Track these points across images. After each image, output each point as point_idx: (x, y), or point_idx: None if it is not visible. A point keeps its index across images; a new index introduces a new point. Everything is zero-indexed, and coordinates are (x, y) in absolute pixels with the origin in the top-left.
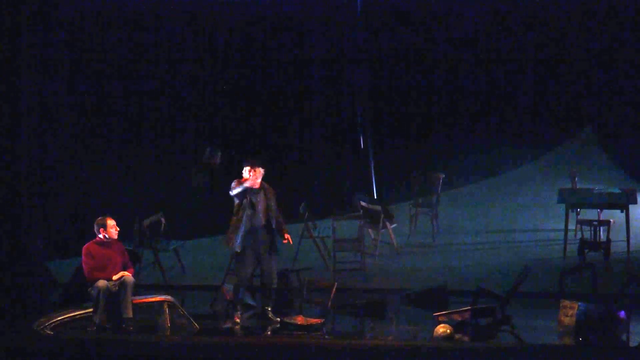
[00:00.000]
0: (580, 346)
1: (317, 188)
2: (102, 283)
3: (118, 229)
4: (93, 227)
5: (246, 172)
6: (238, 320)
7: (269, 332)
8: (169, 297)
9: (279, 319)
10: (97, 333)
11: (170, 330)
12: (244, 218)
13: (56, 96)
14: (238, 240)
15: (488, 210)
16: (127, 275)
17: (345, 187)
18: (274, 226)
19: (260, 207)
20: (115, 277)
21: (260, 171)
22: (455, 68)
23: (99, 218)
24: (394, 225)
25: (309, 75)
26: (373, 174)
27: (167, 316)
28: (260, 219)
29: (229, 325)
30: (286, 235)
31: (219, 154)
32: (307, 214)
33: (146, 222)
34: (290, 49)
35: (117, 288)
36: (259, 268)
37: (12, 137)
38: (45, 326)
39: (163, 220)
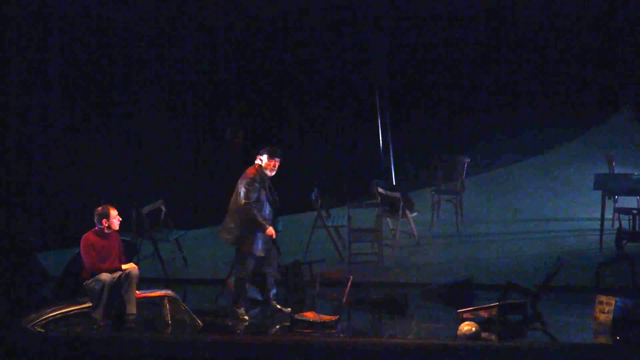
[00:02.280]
0: (617, 345)
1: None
2: (106, 276)
3: (120, 219)
4: (86, 216)
5: (269, 161)
6: (245, 316)
7: (278, 330)
8: (169, 292)
9: (289, 309)
10: (99, 330)
11: (171, 327)
12: (261, 214)
13: (48, 80)
14: (260, 244)
15: (517, 197)
16: (134, 267)
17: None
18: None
19: (269, 197)
20: (125, 267)
21: (279, 162)
22: (482, 44)
23: (100, 207)
24: (415, 214)
25: (324, 54)
26: (392, 158)
27: (168, 312)
28: (270, 209)
29: (234, 321)
30: None
31: (241, 133)
32: (320, 201)
33: (145, 210)
34: (307, 29)
35: (118, 281)
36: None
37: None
38: (36, 323)
39: (163, 208)
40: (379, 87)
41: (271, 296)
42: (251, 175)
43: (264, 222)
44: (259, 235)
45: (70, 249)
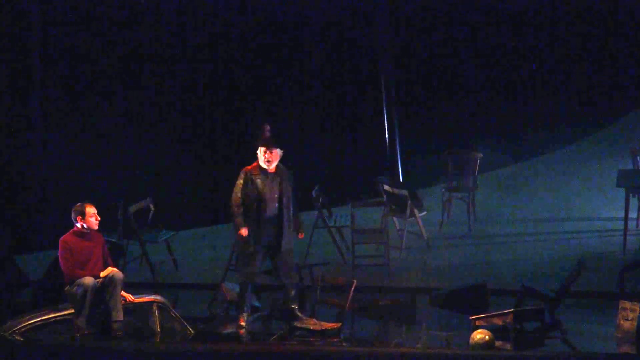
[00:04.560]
0: None
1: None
2: (88, 280)
3: (99, 218)
4: (68, 216)
5: (261, 152)
6: (244, 323)
7: (275, 338)
8: (158, 297)
9: (312, 319)
10: (82, 338)
11: (160, 335)
12: (254, 212)
13: (29, 72)
14: (251, 243)
15: (534, 196)
16: (116, 270)
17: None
18: (288, 216)
19: (275, 194)
20: (103, 274)
21: (278, 153)
22: (497, 33)
23: (77, 205)
24: (424, 213)
25: (326, 42)
26: (399, 153)
27: (157, 319)
28: (275, 208)
29: (229, 329)
30: (300, 233)
31: (268, 127)
32: (321, 199)
33: (132, 208)
34: (310, 18)
35: (102, 286)
36: (271, 264)
37: None
38: (14, 331)
39: (152, 206)
40: (385, 76)
41: (294, 306)
42: (242, 170)
43: (240, 221)
44: (252, 234)
45: (51, 250)
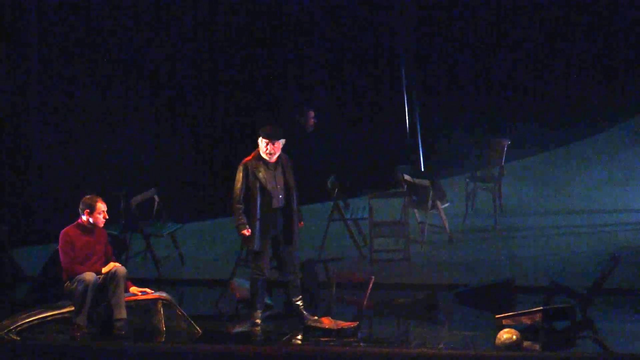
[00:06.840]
0: None
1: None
2: (89, 276)
3: (107, 217)
4: (69, 207)
5: (262, 144)
6: (259, 320)
7: (288, 338)
8: (163, 294)
9: (316, 317)
10: (82, 338)
11: (165, 335)
12: (258, 205)
13: (26, 54)
14: (257, 239)
15: (564, 186)
16: (119, 266)
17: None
18: (294, 207)
19: (278, 185)
20: (105, 270)
21: (280, 144)
22: (526, 17)
23: (88, 197)
24: (446, 205)
25: (345, 26)
26: (420, 141)
27: (162, 318)
28: (279, 199)
29: (239, 329)
30: (299, 222)
31: (312, 112)
32: (336, 190)
33: (135, 200)
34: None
35: (104, 282)
36: (276, 259)
37: None
38: (10, 330)
39: (157, 198)
40: (404, 58)
41: (299, 303)
42: (242, 163)
43: (241, 221)
44: (257, 230)
45: (50, 244)
